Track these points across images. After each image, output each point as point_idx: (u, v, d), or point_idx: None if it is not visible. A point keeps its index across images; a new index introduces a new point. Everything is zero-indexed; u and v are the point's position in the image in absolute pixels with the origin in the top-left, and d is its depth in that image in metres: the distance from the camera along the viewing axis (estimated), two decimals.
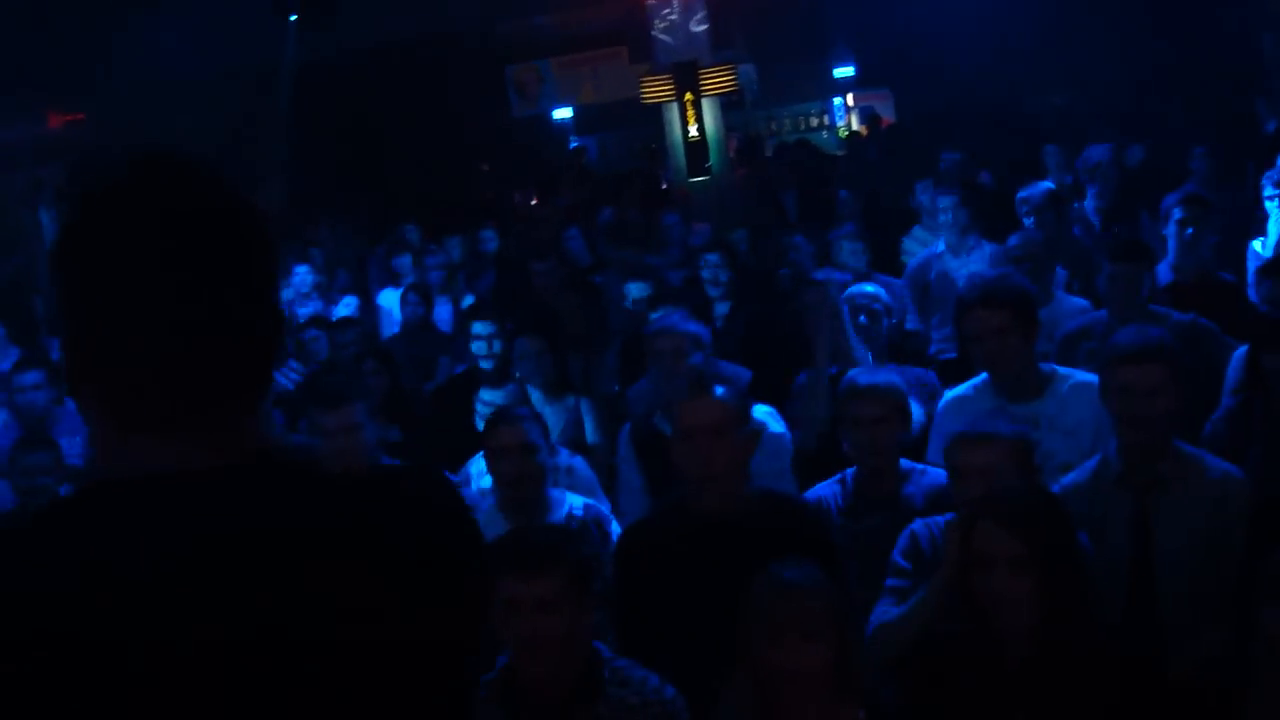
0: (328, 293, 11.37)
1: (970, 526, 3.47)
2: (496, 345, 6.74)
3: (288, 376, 7.80)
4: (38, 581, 1.38)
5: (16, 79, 16.50)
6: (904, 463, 4.68)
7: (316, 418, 5.21)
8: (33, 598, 1.37)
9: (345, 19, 16.70)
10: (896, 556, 4.09)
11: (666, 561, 4.06)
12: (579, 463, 5.45)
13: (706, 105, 15.38)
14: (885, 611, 3.92)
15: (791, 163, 15.45)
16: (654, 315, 6.45)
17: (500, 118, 22.57)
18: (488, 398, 6.47)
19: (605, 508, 5.01)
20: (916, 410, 4.96)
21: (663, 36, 15.53)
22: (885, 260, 8.78)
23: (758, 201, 13.10)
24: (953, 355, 6.81)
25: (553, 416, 6.19)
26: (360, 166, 19.07)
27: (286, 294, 11.81)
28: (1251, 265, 7.56)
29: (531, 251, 10.43)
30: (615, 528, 4.76)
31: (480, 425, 5.80)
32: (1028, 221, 7.57)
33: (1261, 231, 7.96)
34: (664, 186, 15.69)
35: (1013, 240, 6.91)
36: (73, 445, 6.61)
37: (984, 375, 4.97)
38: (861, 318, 6.10)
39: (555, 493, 4.81)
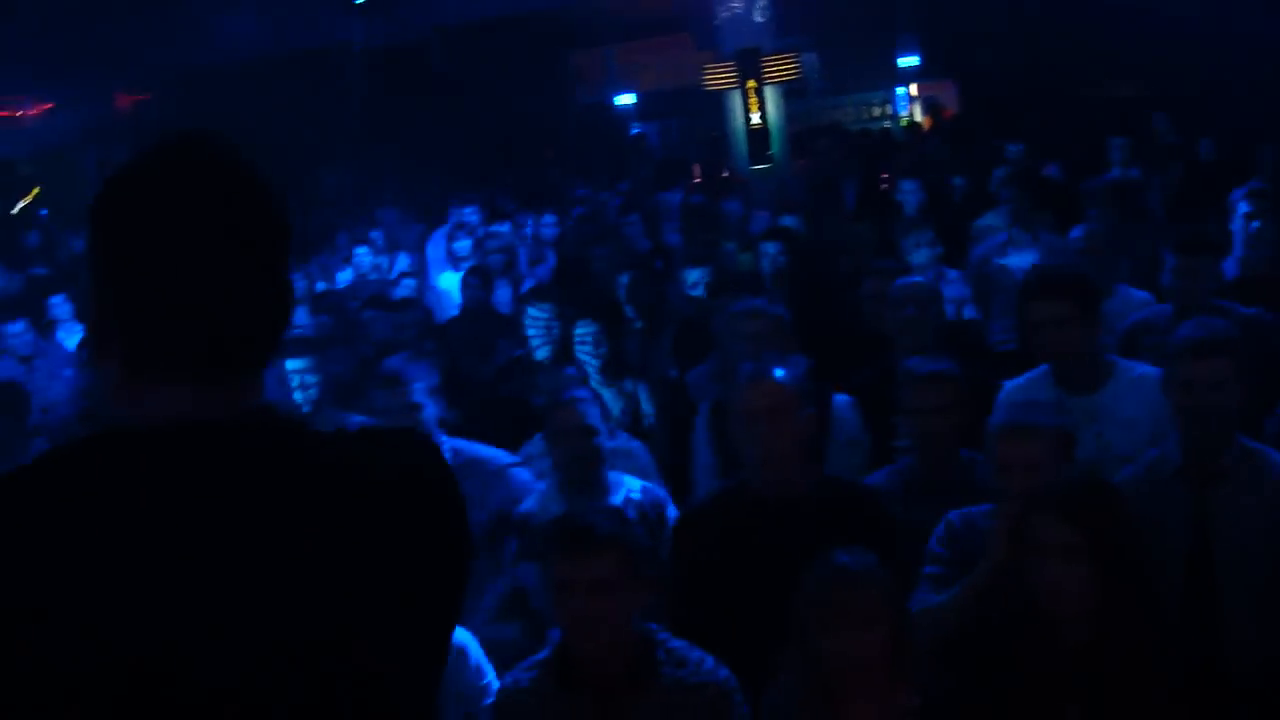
0: (387, 274, 11.44)
1: (1024, 516, 3.46)
2: (555, 328, 6.77)
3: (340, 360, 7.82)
4: (58, 521, 1.50)
5: (86, 61, 16.72)
6: (964, 452, 4.66)
7: (375, 398, 5.25)
8: (53, 537, 1.49)
9: (410, 2, 16.79)
10: (934, 545, 4.09)
11: (723, 543, 4.07)
12: (637, 446, 5.47)
13: (769, 93, 15.34)
14: (924, 599, 3.92)
15: (851, 149, 15.35)
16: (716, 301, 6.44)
17: (563, 103, 22.61)
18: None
19: (662, 491, 5.03)
20: None
21: (726, 23, 15.51)
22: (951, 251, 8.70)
23: (818, 190, 13.06)
24: (1012, 347, 6.78)
25: (610, 400, 6.21)
26: (423, 150, 19.15)
27: (347, 275, 11.91)
28: None
29: (591, 236, 10.44)
30: (672, 511, 4.77)
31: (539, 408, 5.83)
32: (1092, 213, 7.52)
33: None
34: (725, 174, 15.66)
35: (1076, 232, 6.86)
36: None
37: (1044, 367, 4.94)
38: (909, 309, 5.99)
39: (613, 475, 4.84)
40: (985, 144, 13.74)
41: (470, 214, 12.62)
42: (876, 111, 23.33)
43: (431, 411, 5.20)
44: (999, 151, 12.27)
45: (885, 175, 13.11)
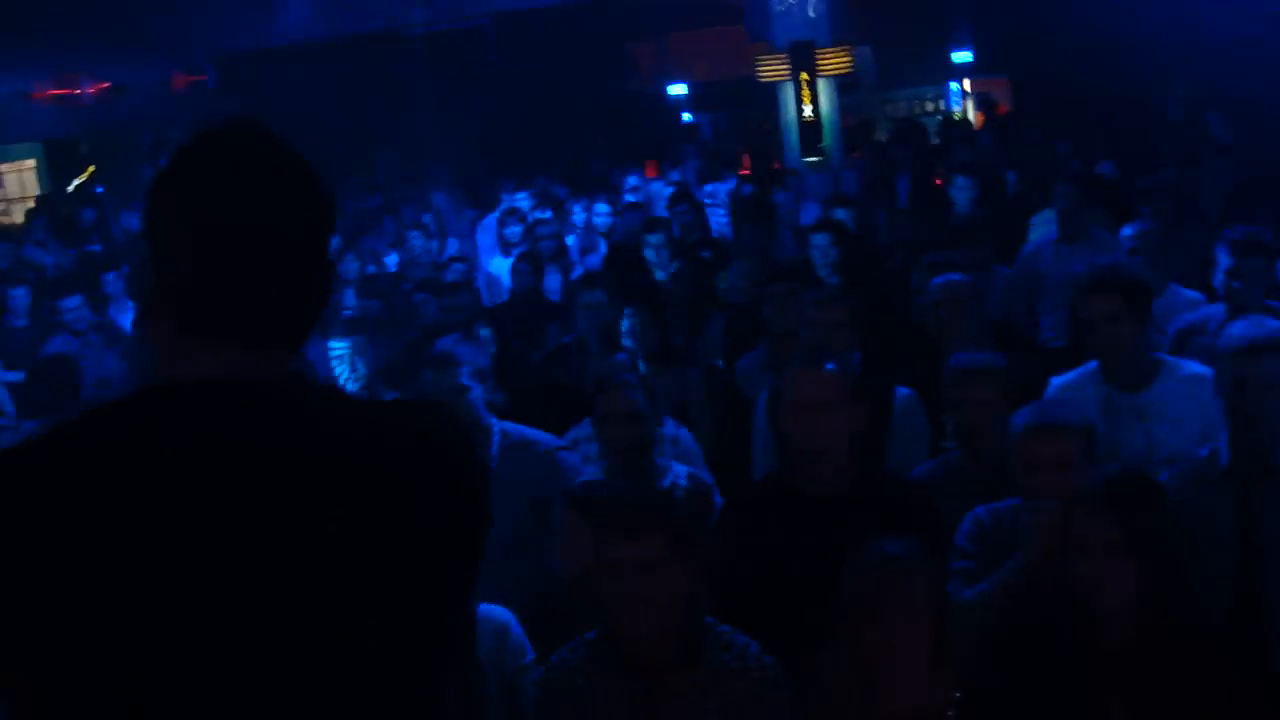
0: (438, 258, 11.51)
1: (1066, 512, 3.47)
2: (605, 315, 6.80)
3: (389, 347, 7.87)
4: (116, 460, 1.66)
5: (144, 42, 16.86)
6: None
7: (425, 378, 5.28)
8: (111, 474, 1.64)
9: None
10: (961, 540, 4.09)
11: (767, 533, 4.08)
12: (684, 434, 5.49)
13: (822, 86, 15.33)
14: (954, 594, 3.92)
15: (905, 143, 15.32)
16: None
17: (616, 92, 22.63)
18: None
19: (709, 478, 5.05)
20: None
21: (781, 16, 15.49)
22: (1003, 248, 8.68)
23: (871, 184, 13.05)
24: (1061, 344, 6.76)
25: (659, 388, 6.24)
26: (477, 135, 19.22)
27: (396, 258, 11.99)
28: None
29: (641, 224, 10.48)
30: (718, 499, 4.79)
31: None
32: (1145, 211, 7.49)
33: None
34: (775, 165, 15.66)
35: (1128, 230, 6.84)
36: None
37: (1093, 364, 4.93)
38: (948, 305, 5.95)
39: (661, 461, 4.87)
40: (1038, 141, 13.68)
41: (522, 200, 12.67)
42: (930, 106, 23.28)
43: (479, 394, 5.24)
44: (1052, 148, 12.21)
45: (940, 170, 13.08)
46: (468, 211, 14.05)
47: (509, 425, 5.16)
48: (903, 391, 5.42)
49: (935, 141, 16.98)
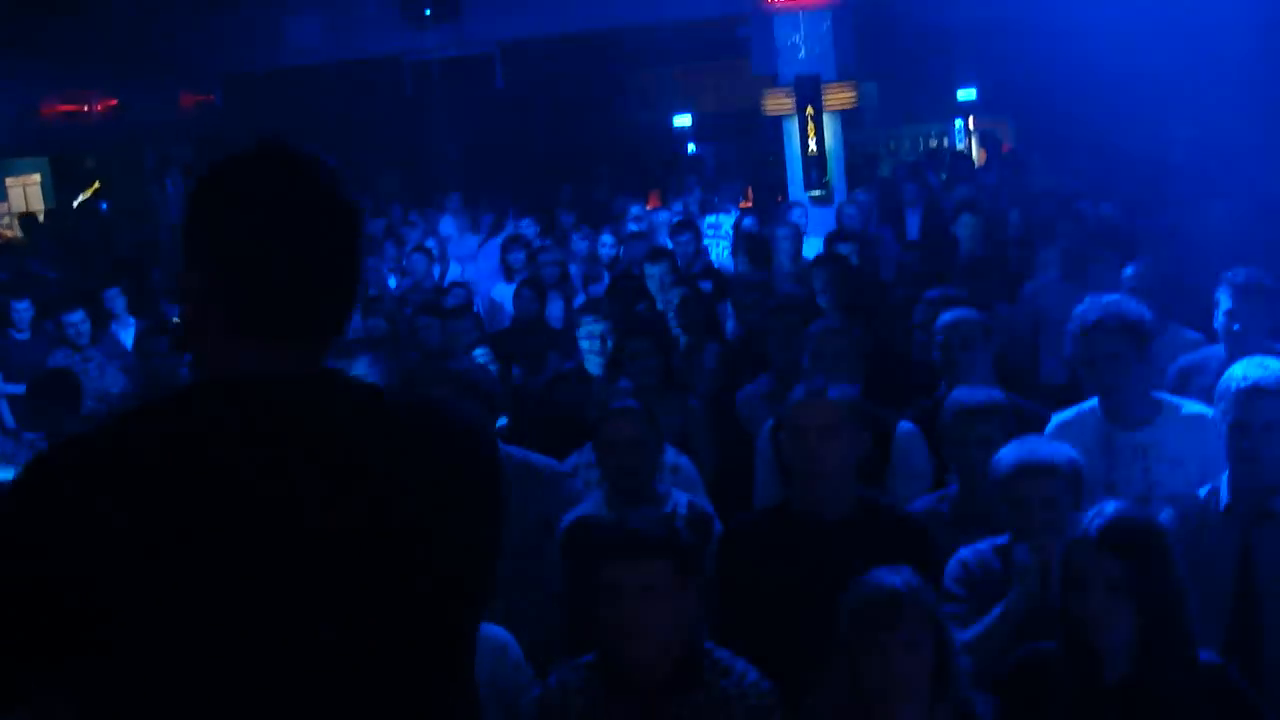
0: (440, 282, 11.53)
1: (1065, 549, 3.47)
2: (607, 343, 6.82)
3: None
4: (163, 459, 1.76)
5: (152, 61, 16.93)
6: None
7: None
8: (158, 474, 1.75)
9: (470, 17, 16.90)
10: (949, 584, 4.10)
11: (765, 560, 4.10)
12: (685, 461, 5.50)
13: (827, 120, 15.37)
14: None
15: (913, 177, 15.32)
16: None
17: (621, 122, 22.69)
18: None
19: (709, 507, 5.06)
20: None
21: (787, 50, 15.55)
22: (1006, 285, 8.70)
23: (877, 218, 13.10)
24: (1063, 380, 6.77)
25: (659, 416, 6.23)
26: (482, 162, 19.27)
27: (400, 282, 12.01)
28: None
29: (643, 254, 10.50)
30: (718, 527, 4.80)
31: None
32: (1146, 252, 7.50)
33: None
34: (779, 198, 15.70)
35: (1130, 269, 6.85)
36: None
37: (1093, 401, 4.94)
38: (951, 342, 5.93)
39: (662, 489, 4.87)
40: (1041, 179, 13.71)
41: (526, 226, 12.70)
42: (934, 143, 23.35)
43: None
44: (1054, 187, 12.24)
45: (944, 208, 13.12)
46: (471, 236, 14.09)
47: (510, 448, 5.17)
48: (905, 426, 5.43)
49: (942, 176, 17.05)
